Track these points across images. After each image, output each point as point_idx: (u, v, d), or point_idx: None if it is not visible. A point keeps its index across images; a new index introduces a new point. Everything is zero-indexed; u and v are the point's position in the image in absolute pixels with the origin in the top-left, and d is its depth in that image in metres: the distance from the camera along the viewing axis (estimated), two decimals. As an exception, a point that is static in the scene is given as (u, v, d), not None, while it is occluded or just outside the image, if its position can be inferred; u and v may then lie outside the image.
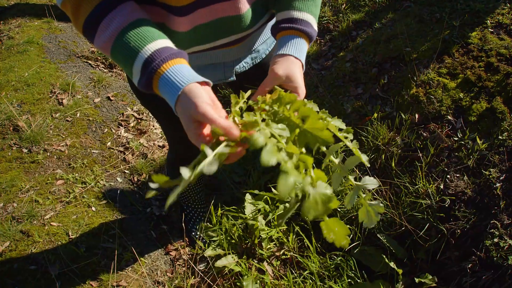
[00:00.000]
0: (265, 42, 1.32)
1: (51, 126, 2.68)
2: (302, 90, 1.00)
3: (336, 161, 0.80)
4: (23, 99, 2.84)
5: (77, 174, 2.39)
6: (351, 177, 0.79)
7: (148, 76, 0.84)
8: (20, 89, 2.93)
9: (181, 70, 0.83)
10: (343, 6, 3.28)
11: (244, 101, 0.91)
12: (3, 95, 2.85)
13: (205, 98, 0.79)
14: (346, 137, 0.81)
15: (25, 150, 2.48)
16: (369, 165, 0.81)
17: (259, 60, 1.35)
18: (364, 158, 0.77)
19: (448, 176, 2.00)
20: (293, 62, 1.00)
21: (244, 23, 1.08)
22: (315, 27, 1.07)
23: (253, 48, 1.29)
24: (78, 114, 2.82)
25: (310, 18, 1.05)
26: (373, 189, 0.77)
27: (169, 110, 0.89)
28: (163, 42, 0.87)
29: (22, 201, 2.17)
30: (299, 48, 1.02)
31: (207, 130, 0.80)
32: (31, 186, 2.27)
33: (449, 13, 2.67)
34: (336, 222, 0.70)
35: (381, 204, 0.76)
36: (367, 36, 2.95)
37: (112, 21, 0.86)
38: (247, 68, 1.32)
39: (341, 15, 3.23)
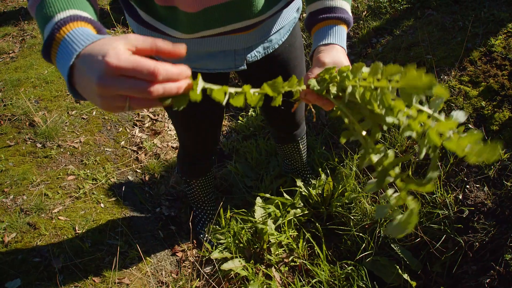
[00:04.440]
0: (278, 31, 1.28)
1: (66, 122, 2.69)
2: None
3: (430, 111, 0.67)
4: (41, 96, 2.87)
5: (88, 171, 2.38)
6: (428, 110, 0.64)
7: (47, 41, 0.68)
8: (38, 85, 2.96)
9: (85, 31, 0.67)
10: (363, 13, 3.24)
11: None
12: (22, 91, 2.89)
13: (119, 45, 0.61)
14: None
15: (39, 145, 2.50)
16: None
17: (271, 50, 1.31)
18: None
19: (468, 186, 1.92)
20: (338, 50, 0.95)
21: (256, 8, 1.04)
22: (350, 12, 1.03)
23: (266, 37, 1.25)
24: (94, 113, 2.83)
25: (344, 4, 1.01)
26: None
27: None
28: (78, 12, 0.72)
29: (32, 194, 2.17)
30: (341, 36, 0.98)
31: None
32: (42, 180, 2.26)
33: (473, 21, 2.60)
34: (472, 136, 0.57)
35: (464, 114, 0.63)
36: (387, 43, 2.89)
37: None
38: (258, 58, 1.29)
39: (361, 22, 3.18)
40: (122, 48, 0.61)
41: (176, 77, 0.63)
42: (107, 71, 0.59)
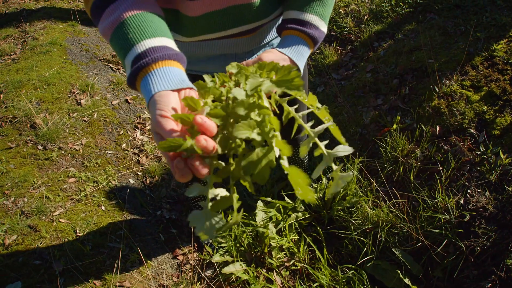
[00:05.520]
0: (279, 36, 1.29)
1: (67, 125, 2.69)
2: None
3: (307, 126, 0.73)
4: (42, 98, 2.87)
5: (89, 173, 2.38)
6: (321, 144, 0.70)
7: (134, 72, 0.78)
8: (40, 87, 2.96)
9: (168, 73, 0.77)
10: (365, 17, 3.24)
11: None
12: (23, 93, 2.88)
13: (165, 107, 0.71)
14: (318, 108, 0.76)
15: (40, 147, 2.49)
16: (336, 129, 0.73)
17: None
18: (328, 124, 0.71)
19: (469, 191, 1.91)
20: (286, 62, 0.97)
21: (256, 13, 1.05)
22: (322, 28, 1.03)
23: (266, 41, 1.26)
24: (95, 115, 2.82)
25: (316, 20, 1.02)
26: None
27: None
28: (162, 41, 0.81)
29: (33, 196, 2.17)
30: (298, 52, 1.00)
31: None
32: (43, 182, 2.26)
33: (474, 26, 2.60)
34: (298, 172, 0.62)
35: (350, 173, 0.69)
36: (389, 47, 2.89)
37: (117, 8, 0.83)
38: None
39: (363, 26, 3.19)
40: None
41: None
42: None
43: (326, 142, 0.71)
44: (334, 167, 0.69)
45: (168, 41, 0.83)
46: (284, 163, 0.64)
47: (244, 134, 0.61)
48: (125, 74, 3.51)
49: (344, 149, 0.68)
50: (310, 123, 0.72)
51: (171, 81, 0.75)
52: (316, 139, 0.70)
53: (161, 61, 0.77)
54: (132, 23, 0.82)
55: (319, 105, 0.76)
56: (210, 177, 0.69)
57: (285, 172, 0.64)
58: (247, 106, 0.64)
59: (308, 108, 0.78)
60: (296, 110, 1.47)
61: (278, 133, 0.64)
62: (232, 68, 0.80)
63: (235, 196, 0.68)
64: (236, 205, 0.67)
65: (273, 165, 0.62)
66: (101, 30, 0.86)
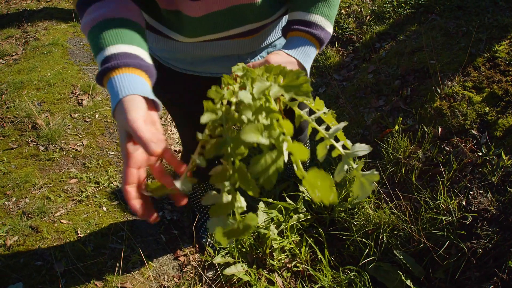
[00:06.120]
0: (282, 37, 1.29)
1: (69, 125, 2.69)
2: None
3: (321, 128, 0.72)
4: (44, 98, 2.87)
5: (91, 174, 2.38)
6: (337, 144, 0.69)
7: (101, 73, 0.80)
8: (41, 88, 2.96)
9: (129, 80, 0.78)
10: (367, 18, 3.24)
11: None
12: (24, 94, 2.89)
13: (140, 112, 0.73)
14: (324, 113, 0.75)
15: (41, 148, 2.50)
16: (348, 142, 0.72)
17: None
18: (342, 125, 0.70)
19: (471, 192, 1.91)
20: (293, 66, 0.96)
21: (258, 13, 1.05)
22: (328, 28, 1.03)
23: (270, 42, 1.25)
24: (96, 116, 2.83)
25: (321, 20, 1.01)
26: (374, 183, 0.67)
27: (184, 105, 0.86)
28: (132, 49, 0.83)
29: (34, 197, 2.17)
30: (305, 53, 0.99)
31: (132, 147, 0.75)
32: (44, 183, 2.26)
33: (477, 27, 2.59)
34: (317, 174, 0.61)
35: (375, 172, 0.66)
36: (391, 48, 2.89)
37: (100, 8, 0.85)
38: None
39: (365, 26, 3.18)
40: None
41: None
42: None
43: (342, 142, 0.70)
44: (354, 165, 0.67)
45: (139, 50, 0.84)
46: (299, 167, 0.63)
47: (253, 138, 0.60)
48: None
49: (361, 148, 0.66)
50: (323, 126, 0.71)
51: (135, 88, 0.77)
52: (332, 141, 0.69)
53: (125, 67, 0.79)
54: (112, 25, 0.83)
55: (326, 110, 0.76)
56: (224, 184, 0.67)
57: (301, 177, 0.62)
58: (254, 109, 0.64)
59: (311, 110, 0.78)
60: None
61: (289, 137, 0.63)
62: (238, 70, 0.79)
63: (240, 201, 0.67)
64: (238, 210, 0.66)
65: (281, 169, 0.61)
66: (81, 25, 0.88)
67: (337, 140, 0.71)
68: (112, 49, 0.80)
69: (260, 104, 0.65)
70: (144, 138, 0.68)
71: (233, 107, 0.68)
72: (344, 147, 0.70)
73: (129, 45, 0.82)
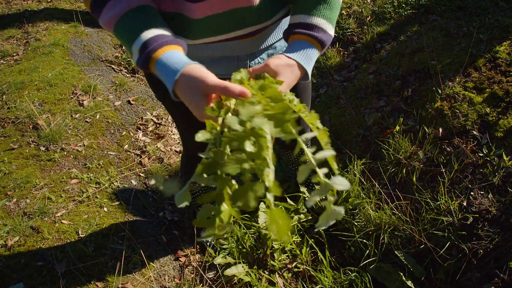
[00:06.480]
0: (282, 38, 1.29)
1: (70, 126, 2.69)
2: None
3: (308, 151, 0.73)
4: (45, 99, 2.87)
5: (92, 174, 2.38)
6: (320, 172, 0.71)
7: (145, 59, 0.89)
8: (42, 88, 2.97)
9: (177, 55, 0.88)
10: (368, 19, 3.24)
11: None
12: (25, 94, 2.89)
13: (211, 74, 0.83)
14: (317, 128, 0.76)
15: (42, 148, 2.50)
16: (336, 167, 0.74)
17: None
18: (330, 153, 0.71)
19: (472, 193, 1.91)
20: (293, 69, 0.96)
21: (258, 15, 1.05)
22: (330, 31, 1.03)
23: (269, 44, 1.26)
24: (97, 116, 2.83)
25: (323, 23, 1.01)
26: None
27: (184, 106, 0.89)
28: (161, 30, 0.92)
29: (35, 197, 2.17)
30: (306, 55, 0.99)
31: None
32: (45, 183, 2.26)
33: (477, 27, 2.59)
34: (281, 214, 0.65)
35: (342, 210, 0.70)
36: (392, 49, 2.89)
37: (119, 2, 0.91)
38: None
39: (365, 27, 3.18)
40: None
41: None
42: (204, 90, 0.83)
43: (326, 171, 0.71)
44: (330, 198, 0.70)
45: (169, 31, 0.95)
46: (271, 200, 0.65)
47: (234, 170, 0.64)
48: (127, 75, 3.52)
49: (341, 183, 0.69)
50: (311, 149, 0.72)
51: (184, 59, 0.88)
52: (316, 168, 0.70)
53: (165, 46, 0.89)
54: (135, 15, 0.92)
55: (320, 125, 0.76)
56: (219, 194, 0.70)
57: (268, 208, 0.65)
58: (238, 137, 0.66)
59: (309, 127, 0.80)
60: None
61: (271, 169, 0.65)
62: (238, 74, 0.82)
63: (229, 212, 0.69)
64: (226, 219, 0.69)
65: (261, 196, 0.64)
66: (104, 20, 0.94)
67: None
68: (147, 34, 0.89)
69: (248, 129, 0.67)
70: (235, 90, 0.78)
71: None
72: (330, 171, 0.72)
73: (158, 28, 0.91)
